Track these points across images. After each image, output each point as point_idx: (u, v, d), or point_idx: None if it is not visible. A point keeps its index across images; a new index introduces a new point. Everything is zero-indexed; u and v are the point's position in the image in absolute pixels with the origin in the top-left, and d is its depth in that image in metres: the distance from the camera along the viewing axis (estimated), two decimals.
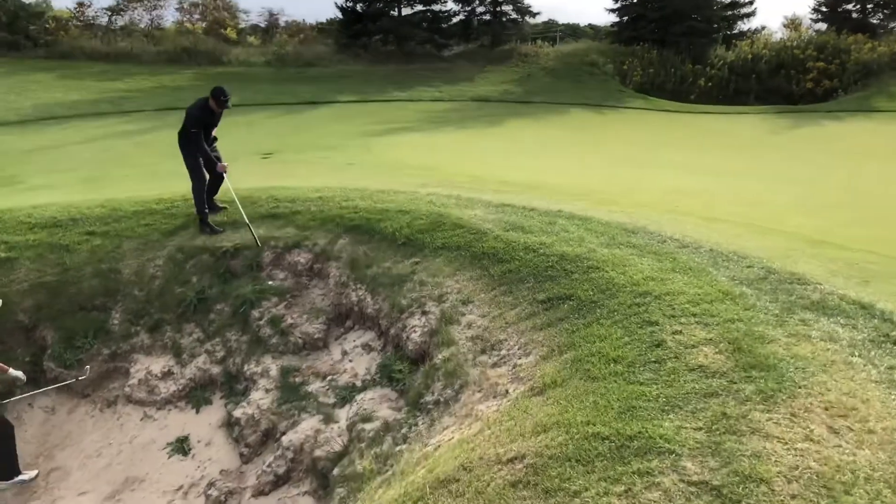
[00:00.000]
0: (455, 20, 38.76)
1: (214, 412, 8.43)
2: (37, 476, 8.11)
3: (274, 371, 8.17)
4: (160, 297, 9.29)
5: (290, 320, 8.53)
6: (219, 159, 10.27)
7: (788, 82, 31.85)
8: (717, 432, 3.92)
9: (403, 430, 5.98)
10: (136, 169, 16.24)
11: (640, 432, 3.97)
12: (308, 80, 30.45)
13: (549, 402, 4.65)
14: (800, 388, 4.34)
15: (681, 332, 5.28)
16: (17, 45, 30.32)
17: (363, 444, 6.26)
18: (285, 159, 16.50)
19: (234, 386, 8.47)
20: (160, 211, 10.56)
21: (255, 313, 8.70)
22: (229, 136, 20.76)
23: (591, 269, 6.90)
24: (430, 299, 7.44)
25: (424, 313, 7.36)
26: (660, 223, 8.70)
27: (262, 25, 36.64)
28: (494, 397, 5.31)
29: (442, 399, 5.94)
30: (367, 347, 7.97)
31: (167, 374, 8.77)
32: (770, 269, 6.62)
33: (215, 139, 10.38)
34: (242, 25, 35.56)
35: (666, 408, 4.24)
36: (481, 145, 18.73)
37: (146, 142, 19.27)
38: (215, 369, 8.66)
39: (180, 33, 32.73)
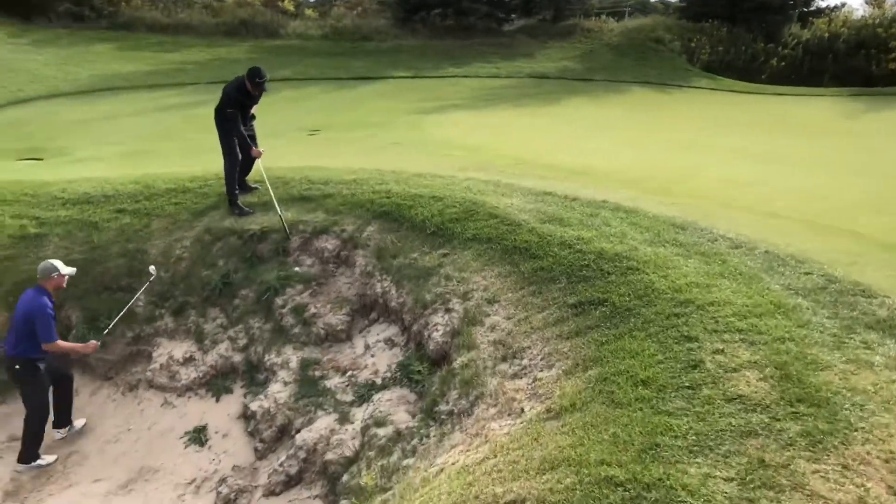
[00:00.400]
0: None
1: (234, 402, 8.13)
2: (55, 461, 7.95)
3: (294, 363, 7.81)
4: (185, 280, 9.02)
5: (313, 310, 8.14)
6: (253, 139, 9.84)
7: (868, 63, 29.98)
8: (752, 486, 3.34)
9: (414, 442, 5.53)
10: (181, 142, 16.07)
11: (660, 479, 3.42)
12: (363, 55, 29.99)
13: (564, 429, 4.12)
14: (856, 431, 3.71)
15: (722, 350, 4.67)
16: (82, 15, 30.60)
17: (373, 453, 5.84)
18: (330, 137, 16.13)
19: (254, 375, 8.15)
20: (193, 189, 10.28)
21: (279, 301, 8.35)
22: (278, 112, 20.60)
23: (629, 271, 6.30)
24: (455, 296, 6.95)
25: (448, 311, 6.87)
26: (712, 218, 8.01)
27: None
28: (509, 415, 4.81)
29: (456, 410, 5.46)
30: (390, 343, 7.53)
31: (189, 360, 8.51)
32: (831, 278, 5.92)
33: (253, 117, 9.95)
34: None
35: (695, 448, 3.68)
36: (533, 125, 18.03)
37: (195, 115, 19.10)
38: (237, 357, 8.35)
39: (239, 5, 32.58)
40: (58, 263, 7.82)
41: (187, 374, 8.44)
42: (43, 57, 25.07)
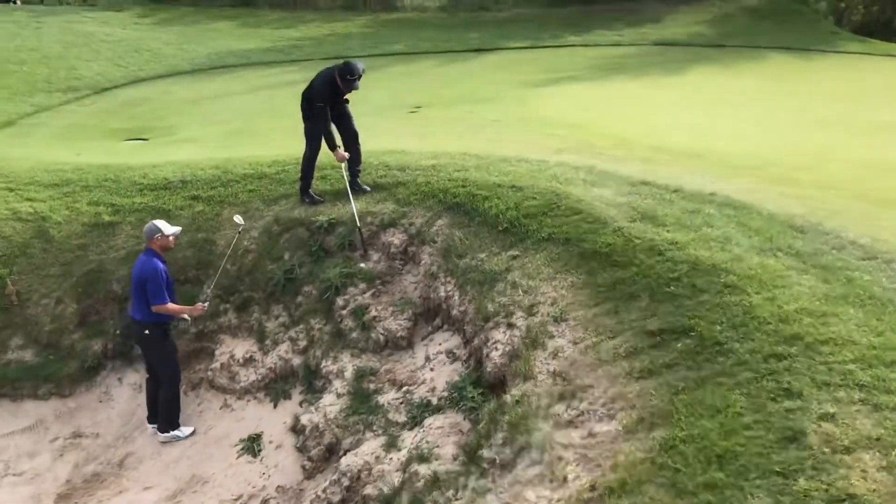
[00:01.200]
0: None
1: (291, 409, 7.56)
2: (192, 433, 7.84)
3: (349, 372, 7.13)
4: (251, 274, 8.51)
5: (374, 312, 7.41)
6: (349, 119, 8.96)
7: None
8: None
9: (448, 493, 4.67)
10: (285, 121, 15.63)
11: None
12: (480, 26, 28.93)
13: None
14: None
15: (834, 416, 3.54)
16: None
17: (408, 497, 5.03)
18: (429, 115, 15.34)
19: (312, 381, 7.55)
20: (269, 175, 9.75)
21: (340, 301, 7.67)
22: (385, 88, 19.97)
23: (727, 289, 5.16)
24: (520, 308, 6.02)
25: (510, 326, 5.96)
26: (843, 216, 6.65)
27: None
28: (550, 481, 3.88)
29: (498, 460, 4.59)
30: (451, 356, 6.70)
31: (249, 361, 8.01)
32: None
33: (346, 101, 9.08)
34: None
35: None
36: (650, 97, 16.52)
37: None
38: (296, 360, 7.77)
39: None
40: (161, 224, 7.71)
41: (247, 376, 7.96)
42: (166, 36, 25.58)
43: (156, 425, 7.87)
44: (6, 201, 9.66)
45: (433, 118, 14.77)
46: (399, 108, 16.67)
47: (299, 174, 9.03)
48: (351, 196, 8.32)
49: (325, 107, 8.51)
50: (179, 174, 10.16)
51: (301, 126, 8.99)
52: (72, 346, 8.55)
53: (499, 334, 5.98)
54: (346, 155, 8.53)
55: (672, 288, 5.39)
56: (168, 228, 7.61)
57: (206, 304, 7.78)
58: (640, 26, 28.74)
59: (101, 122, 17.01)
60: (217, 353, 8.27)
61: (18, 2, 31.08)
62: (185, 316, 7.78)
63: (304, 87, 9.16)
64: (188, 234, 9.02)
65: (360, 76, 8.30)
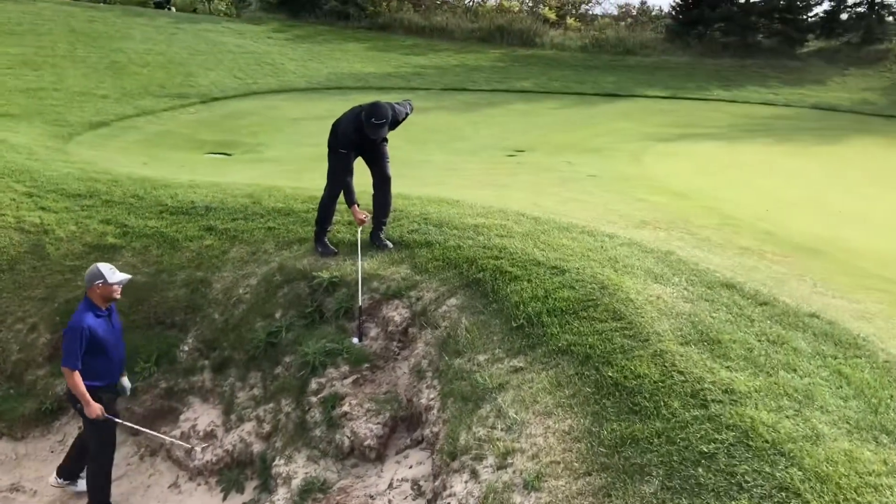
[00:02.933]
0: (817, 11, 32.37)
1: None
2: None
3: (297, 481, 5.60)
4: (236, 329, 7.17)
5: (347, 406, 5.85)
6: (384, 159, 7.48)
7: None
8: None
9: None
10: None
11: None
12: (620, 70, 27.05)
13: None
14: None
15: None
16: (346, 13, 31.02)
17: None
18: (525, 161, 13.74)
19: (267, 479, 6.06)
20: (297, 212, 8.44)
21: (314, 384, 6.16)
22: (494, 126, 18.57)
23: (779, 492, 3.23)
24: (493, 452, 4.29)
25: (473, 475, 4.27)
26: None
27: (587, 8, 33.81)
28: None
29: None
30: (416, 489, 5.00)
31: (210, 436, 6.66)
32: None
33: (385, 140, 7.58)
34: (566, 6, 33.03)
35: None
36: (792, 168, 14.14)
37: (409, 122, 17.74)
38: (257, 446, 6.32)
39: (499, 11, 31.19)
40: (104, 268, 6.17)
41: (203, 454, 6.58)
42: (292, 52, 25.41)
43: (62, 479, 6.71)
44: (18, 208, 8.87)
45: (526, 165, 13.17)
46: (498, 150, 15.21)
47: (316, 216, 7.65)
48: (359, 257, 6.83)
49: (350, 154, 7.05)
50: (209, 199, 9.06)
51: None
52: (35, 382, 7.50)
53: (458, 484, 4.28)
54: (366, 218, 7.00)
55: (700, 471, 3.52)
56: (113, 276, 6.11)
57: (103, 416, 6.12)
58: (799, 86, 25.98)
59: (193, 132, 16.55)
60: (182, 417, 6.97)
61: (173, 9, 32.06)
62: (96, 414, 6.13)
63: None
64: (186, 272, 7.84)
65: (385, 121, 6.74)
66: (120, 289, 6.23)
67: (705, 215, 9.07)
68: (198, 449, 6.52)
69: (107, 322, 6.19)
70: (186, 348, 7.32)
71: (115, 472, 7.15)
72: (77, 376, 5.96)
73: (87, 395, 6.04)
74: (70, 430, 7.47)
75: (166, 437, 6.60)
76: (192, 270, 7.85)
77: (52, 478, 6.78)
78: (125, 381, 6.64)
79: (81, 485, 6.71)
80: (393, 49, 27.65)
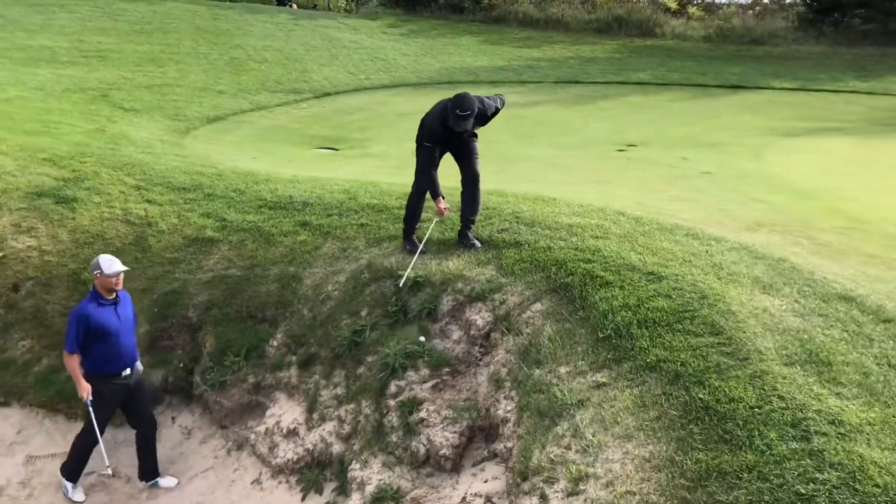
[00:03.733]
0: None
1: None
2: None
3: (371, 487, 5.45)
4: (323, 326, 7.10)
5: (424, 412, 5.64)
6: (473, 155, 7.25)
7: None
8: None
9: None
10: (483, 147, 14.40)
11: None
12: (745, 60, 25.58)
13: None
14: None
15: None
16: (461, 7, 30.89)
17: None
18: (635, 156, 13.13)
19: (344, 482, 5.94)
20: (391, 209, 8.30)
21: (393, 387, 5.99)
22: (606, 120, 17.92)
23: None
24: (565, 476, 3.95)
25: (543, 499, 3.92)
26: None
27: None
28: None
29: None
30: None
31: (292, 434, 6.62)
32: None
33: (474, 135, 7.33)
34: None
35: None
36: None
37: (518, 116, 17.38)
38: (337, 447, 6.23)
39: (617, 1, 30.20)
40: (104, 260, 6.39)
41: (286, 452, 6.56)
42: (406, 47, 25.47)
43: (144, 482, 6.93)
44: (126, 200, 9.15)
45: (636, 160, 12.58)
46: (608, 145, 14.62)
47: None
48: (418, 250, 6.68)
49: (434, 148, 6.82)
50: (307, 194, 9.06)
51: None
52: None
53: None
54: (447, 209, 6.77)
55: None
56: (110, 266, 6.26)
57: (89, 399, 6.40)
58: None
59: (304, 126, 16.80)
60: (267, 413, 6.97)
61: (294, 6, 32.89)
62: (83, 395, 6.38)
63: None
64: (279, 267, 7.85)
65: (471, 112, 6.48)
66: (118, 280, 6.38)
67: (828, 217, 8.31)
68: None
69: (111, 311, 6.34)
70: (275, 343, 7.31)
71: (202, 465, 7.29)
72: (72, 359, 6.25)
73: (80, 376, 6.32)
74: (164, 419, 7.65)
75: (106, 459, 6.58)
76: (284, 265, 7.85)
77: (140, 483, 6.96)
78: (138, 366, 6.88)
79: (166, 482, 6.89)
80: (506, 42, 27.27)
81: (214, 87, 18.67)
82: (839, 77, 23.78)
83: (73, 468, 6.77)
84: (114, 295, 6.44)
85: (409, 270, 6.59)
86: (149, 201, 9.17)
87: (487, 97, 6.99)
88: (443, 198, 6.77)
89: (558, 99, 20.80)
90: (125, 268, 6.52)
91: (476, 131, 7.09)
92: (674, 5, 29.67)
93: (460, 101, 6.48)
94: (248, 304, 7.70)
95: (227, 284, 7.90)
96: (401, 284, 6.51)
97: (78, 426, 7.57)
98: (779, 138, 15.27)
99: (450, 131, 6.69)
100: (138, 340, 7.80)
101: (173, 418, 7.63)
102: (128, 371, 6.63)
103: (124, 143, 12.34)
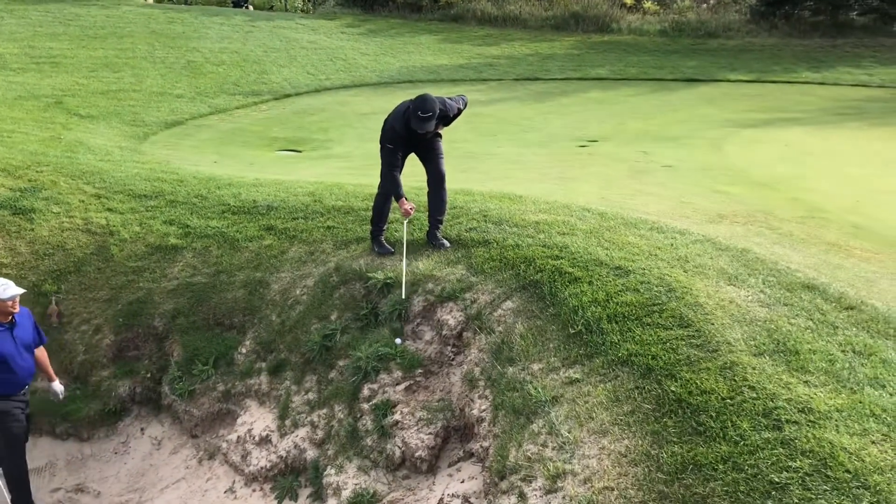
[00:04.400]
0: None
1: None
2: None
3: (347, 492, 5.43)
4: (292, 331, 7.04)
5: (398, 415, 5.63)
6: (437, 153, 7.22)
7: None
8: None
9: None
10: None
11: None
12: (700, 54, 25.95)
13: None
14: None
15: None
16: (419, 6, 30.82)
17: None
18: (596, 151, 13.22)
19: (320, 488, 5.90)
20: (357, 211, 8.27)
21: (366, 390, 5.96)
22: (565, 116, 18.04)
23: None
24: (543, 473, 3.98)
25: (522, 498, 3.95)
26: None
27: None
28: None
29: None
30: None
31: (264, 441, 6.55)
32: None
33: (438, 136, 7.30)
34: None
35: None
36: (885, 156, 13.17)
37: (478, 115, 17.40)
38: (311, 453, 6.18)
39: None
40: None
41: (258, 459, 6.50)
42: (365, 47, 25.34)
43: None
44: (86, 209, 8.99)
45: (597, 155, 12.68)
46: (569, 141, 14.72)
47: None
48: (404, 251, 6.66)
49: (397, 150, 6.79)
50: (271, 197, 8.99)
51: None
52: (99, 383, 7.58)
53: None
54: (412, 209, 6.74)
55: None
56: (4, 291, 6.09)
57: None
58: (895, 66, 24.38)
59: (264, 129, 16.64)
60: (239, 421, 6.90)
61: (251, 7, 32.53)
62: None
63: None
64: (245, 272, 7.77)
65: (432, 114, 6.45)
66: (14, 303, 6.19)
67: (789, 207, 8.47)
68: None
69: (6, 336, 6.17)
70: (244, 350, 7.25)
71: (173, 476, 7.20)
72: None
73: None
74: (133, 431, 7.54)
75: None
76: (250, 271, 7.78)
77: None
78: (56, 387, 6.82)
79: None
80: (465, 40, 27.28)
81: (172, 92, 18.39)
82: (792, 68, 24.25)
83: (25, 497, 6.56)
84: (10, 318, 6.25)
85: (403, 277, 6.51)
86: (110, 210, 9.01)
87: (449, 98, 6.98)
88: (405, 199, 6.73)
89: (518, 96, 20.89)
90: (21, 290, 6.32)
91: (440, 131, 7.07)
92: (629, 0, 29.94)
93: (422, 103, 6.45)
94: (214, 311, 7.62)
95: (193, 292, 7.81)
96: (404, 297, 6.41)
97: (43, 441, 7.50)
98: (737, 130, 15.51)
99: (412, 132, 6.67)
100: (103, 351, 7.74)
101: (142, 429, 7.53)
102: (26, 388, 6.49)
103: (81, 150, 12.10)
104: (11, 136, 12.19)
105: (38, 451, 7.41)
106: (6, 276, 8.02)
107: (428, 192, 7.13)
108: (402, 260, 6.75)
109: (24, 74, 18.35)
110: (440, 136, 7.18)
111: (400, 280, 6.62)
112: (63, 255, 8.29)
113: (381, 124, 7.07)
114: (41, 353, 6.69)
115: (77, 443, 7.45)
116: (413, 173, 7.40)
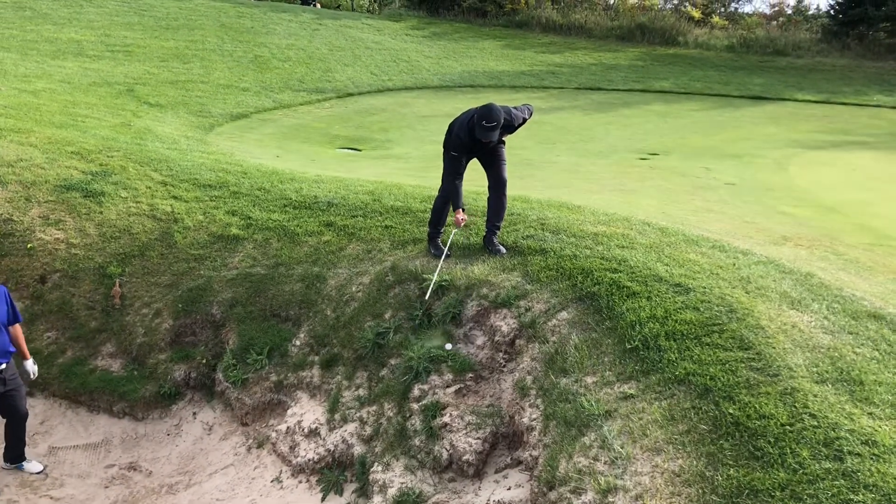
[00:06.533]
0: None
1: None
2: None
3: (393, 490, 5.46)
4: (346, 327, 7.12)
5: (447, 417, 5.65)
6: (500, 161, 7.24)
7: None
8: None
9: None
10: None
11: None
12: (769, 71, 25.49)
13: None
14: None
15: None
16: (484, 11, 30.94)
17: None
18: (657, 165, 13.08)
19: (366, 485, 5.95)
20: (415, 211, 8.35)
21: (416, 390, 6.00)
22: (627, 128, 17.90)
23: None
24: (594, 487, 3.94)
25: None
26: None
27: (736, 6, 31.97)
28: None
29: None
30: None
31: (313, 434, 6.62)
32: None
33: (502, 143, 7.33)
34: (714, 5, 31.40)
35: None
36: None
37: (538, 122, 17.36)
38: (358, 448, 6.23)
39: (641, 8, 30.14)
40: None
41: (306, 451, 6.57)
42: (429, 50, 25.53)
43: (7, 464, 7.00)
44: (153, 196, 9.23)
45: (658, 169, 12.54)
46: (629, 153, 14.60)
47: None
48: (444, 255, 6.71)
49: (461, 157, 6.83)
50: (331, 194, 9.11)
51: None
52: (157, 365, 7.76)
53: None
54: (464, 221, 6.78)
55: None
56: None
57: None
58: None
59: (326, 126, 16.88)
60: (289, 412, 6.99)
61: (318, 5, 33.02)
62: None
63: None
64: (303, 266, 7.89)
65: (497, 124, 6.46)
66: None
67: (855, 233, 8.26)
68: None
69: None
70: (298, 343, 7.35)
71: (222, 462, 7.33)
72: None
73: None
74: (185, 414, 7.71)
75: None
76: (308, 265, 7.90)
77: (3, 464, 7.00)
78: (29, 366, 6.97)
79: (31, 466, 6.97)
80: (529, 47, 27.28)
81: (238, 85, 18.78)
82: (863, 91, 23.66)
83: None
84: None
85: (435, 276, 6.60)
86: (175, 197, 9.24)
87: (515, 107, 6.98)
88: (463, 210, 6.77)
89: (580, 105, 20.80)
90: None
91: (504, 138, 7.09)
92: (697, 14, 29.57)
93: (486, 113, 6.47)
94: (271, 302, 7.75)
95: (251, 282, 7.96)
96: (427, 296, 6.50)
97: (101, 418, 7.72)
98: (803, 151, 15.21)
99: (476, 140, 6.69)
100: (161, 335, 7.92)
101: (195, 414, 7.69)
102: (2, 366, 6.61)
103: (150, 138, 12.44)
104: (85, 121, 12.59)
105: (95, 428, 7.64)
106: (75, 256, 8.34)
107: (488, 197, 7.15)
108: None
109: (100, 62, 18.92)
110: (504, 142, 7.20)
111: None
112: (129, 238, 8.53)
113: (441, 127, 7.12)
114: (16, 330, 6.83)
115: (132, 422, 7.64)
116: (472, 178, 7.44)
